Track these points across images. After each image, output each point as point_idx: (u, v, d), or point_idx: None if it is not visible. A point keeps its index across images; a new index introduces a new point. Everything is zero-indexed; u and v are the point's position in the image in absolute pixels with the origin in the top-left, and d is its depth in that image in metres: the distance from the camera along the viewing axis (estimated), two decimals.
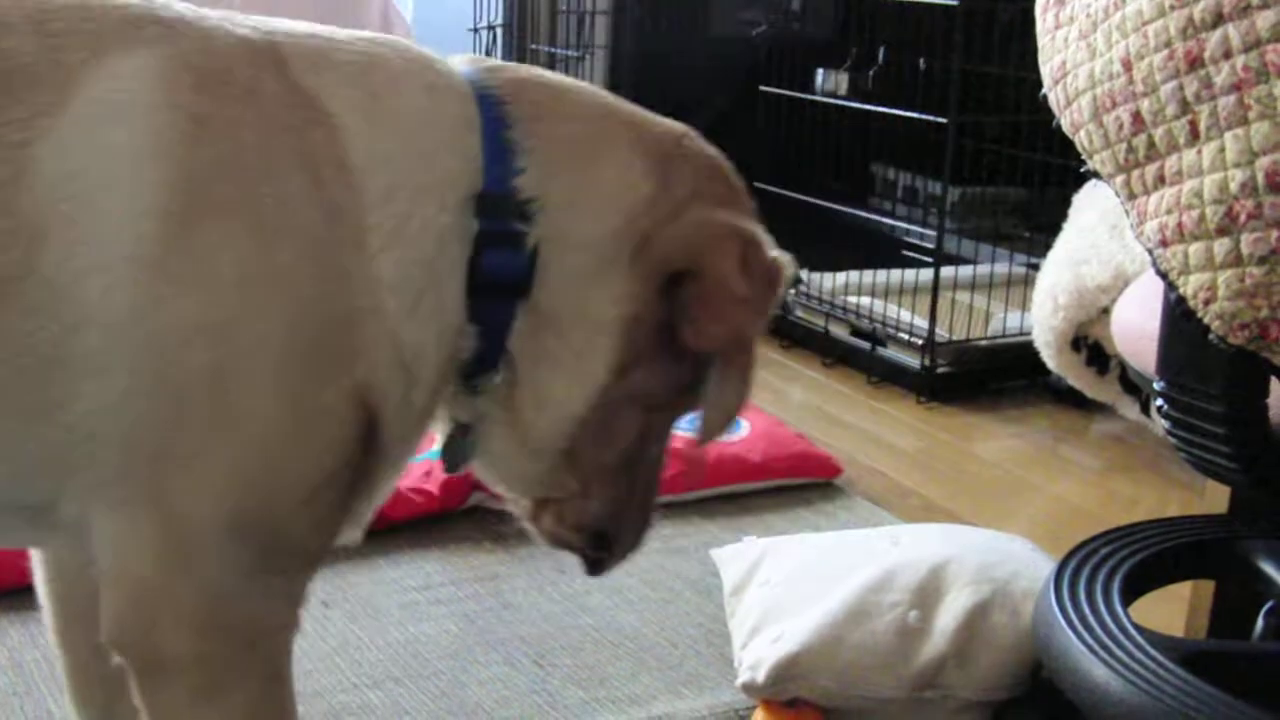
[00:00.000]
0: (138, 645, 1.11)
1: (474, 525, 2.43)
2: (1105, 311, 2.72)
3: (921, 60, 3.85)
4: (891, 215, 4.01)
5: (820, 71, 4.17)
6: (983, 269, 3.76)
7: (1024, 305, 3.29)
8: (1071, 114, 1.40)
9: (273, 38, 1.14)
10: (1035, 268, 3.13)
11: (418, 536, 2.37)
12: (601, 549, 1.39)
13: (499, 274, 1.16)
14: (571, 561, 2.28)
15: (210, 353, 1.06)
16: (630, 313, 1.20)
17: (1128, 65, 1.29)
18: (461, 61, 1.23)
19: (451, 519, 2.43)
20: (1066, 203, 3.05)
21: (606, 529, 1.36)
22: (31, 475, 1.10)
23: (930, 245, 3.43)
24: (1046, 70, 1.45)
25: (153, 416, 1.06)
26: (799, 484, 2.66)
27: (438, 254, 1.14)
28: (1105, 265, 2.70)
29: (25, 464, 1.09)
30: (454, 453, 1.30)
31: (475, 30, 4.48)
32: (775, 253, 1.27)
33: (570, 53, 4.46)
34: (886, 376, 3.41)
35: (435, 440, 2.77)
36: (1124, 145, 1.32)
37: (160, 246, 1.05)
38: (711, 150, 1.28)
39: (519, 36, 5.04)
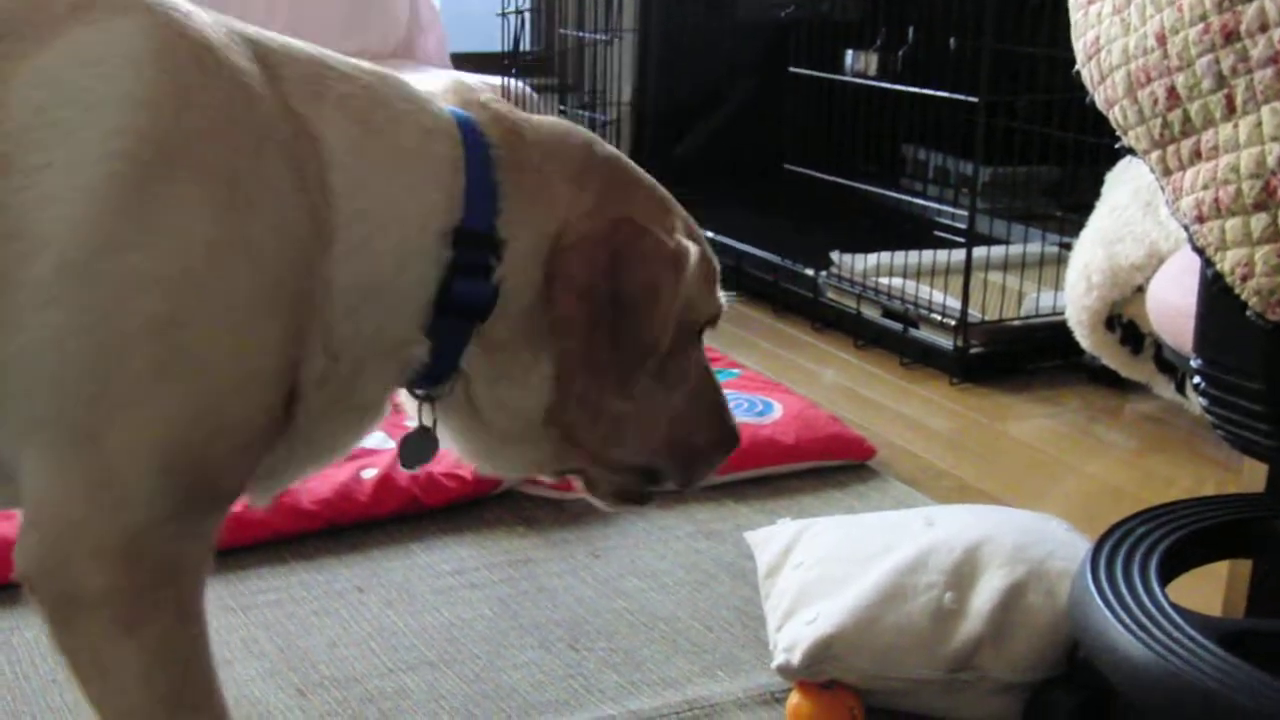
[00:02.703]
0: (54, 580, 1.14)
1: (508, 510, 2.43)
2: (1139, 290, 2.70)
3: (951, 39, 3.83)
4: (923, 196, 4.00)
5: (849, 52, 4.16)
6: (1015, 249, 3.74)
7: (1057, 285, 3.27)
8: (1105, 90, 1.39)
9: (270, 56, 1.20)
10: (1068, 247, 3.11)
11: (452, 521, 2.37)
12: (661, 482, 1.48)
13: (465, 299, 1.27)
14: (606, 545, 2.29)
15: (165, 304, 1.09)
16: None
17: (1162, 40, 1.28)
18: (455, 97, 1.33)
19: (485, 504, 2.43)
20: (1099, 181, 3.03)
21: (654, 467, 1.46)
22: None
23: (962, 225, 3.41)
24: (1079, 46, 1.44)
25: (93, 357, 1.09)
26: (832, 466, 2.66)
27: (397, 274, 1.23)
28: (1139, 243, 2.68)
29: None
30: (408, 451, 1.41)
31: (503, 15, 4.46)
32: (676, 237, 1.35)
33: (598, 36, 4.45)
34: (919, 358, 3.40)
35: None
36: (1159, 121, 1.31)
37: (129, 193, 1.08)
38: (610, 151, 1.39)
39: (547, 20, 5.04)
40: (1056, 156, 3.64)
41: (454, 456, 1.43)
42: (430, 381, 1.33)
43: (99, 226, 1.07)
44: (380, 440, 2.54)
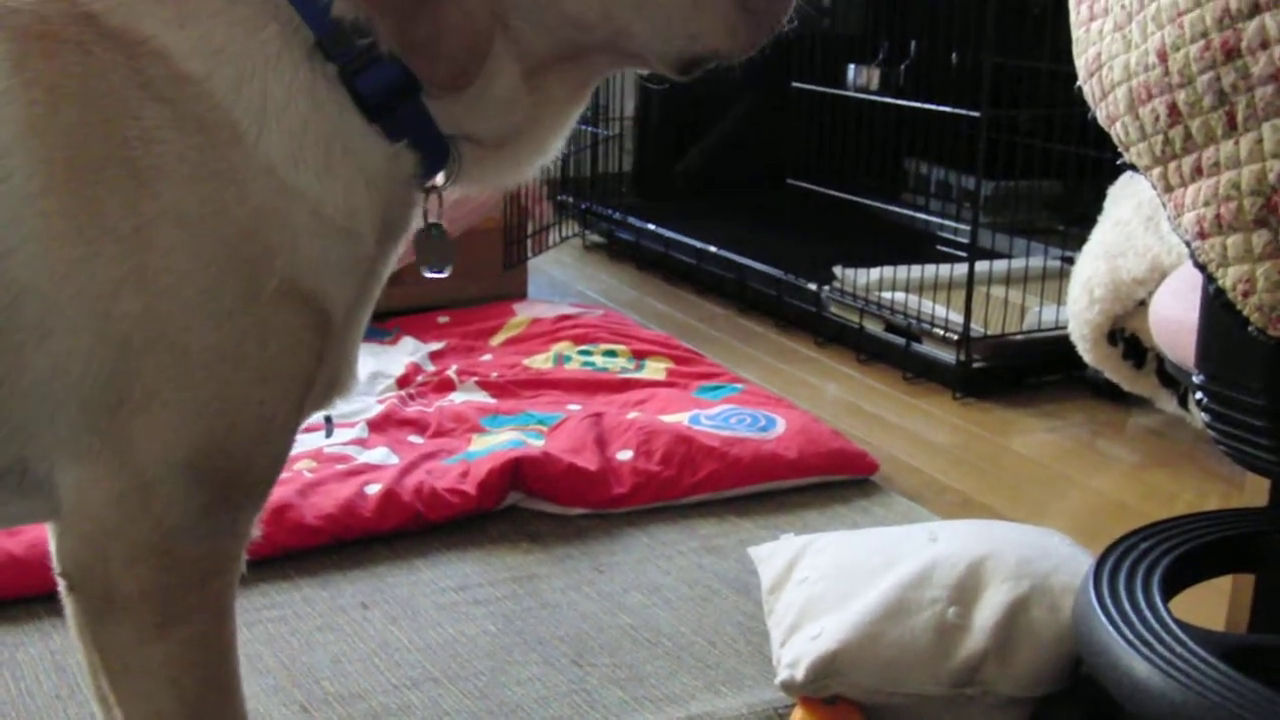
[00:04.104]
0: (91, 582, 1.16)
1: (511, 525, 2.43)
2: (1142, 304, 2.70)
3: (953, 54, 3.84)
4: (925, 210, 4.01)
5: (852, 67, 4.17)
6: (1017, 263, 3.74)
7: (1059, 299, 3.27)
8: (1107, 106, 1.40)
9: None
10: (1070, 261, 3.11)
11: (455, 537, 2.37)
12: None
13: (380, 90, 1.19)
14: (610, 560, 2.29)
15: (137, 300, 1.10)
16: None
17: (1163, 56, 1.29)
18: None
19: (488, 519, 2.43)
20: (1101, 196, 3.04)
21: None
22: None
23: (964, 240, 3.41)
24: (1081, 62, 1.45)
25: (102, 371, 1.11)
26: (835, 481, 2.66)
27: (315, 111, 1.17)
28: (1141, 258, 2.68)
29: None
30: (425, 251, 1.34)
31: None
32: None
33: None
34: (922, 372, 3.40)
35: (470, 440, 2.77)
36: (1161, 137, 1.31)
37: (61, 217, 1.09)
38: None
39: None
40: (1058, 171, 3.65)
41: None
42: (436, 169, 1.26)
43: (55, 256, 1.09)
44: (384, 456, 2.55)
